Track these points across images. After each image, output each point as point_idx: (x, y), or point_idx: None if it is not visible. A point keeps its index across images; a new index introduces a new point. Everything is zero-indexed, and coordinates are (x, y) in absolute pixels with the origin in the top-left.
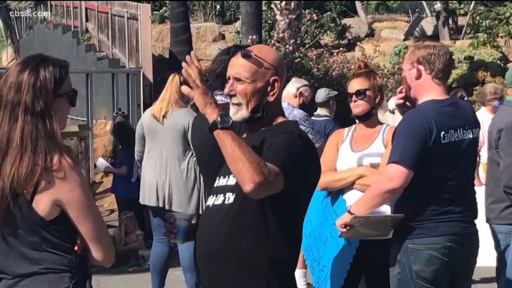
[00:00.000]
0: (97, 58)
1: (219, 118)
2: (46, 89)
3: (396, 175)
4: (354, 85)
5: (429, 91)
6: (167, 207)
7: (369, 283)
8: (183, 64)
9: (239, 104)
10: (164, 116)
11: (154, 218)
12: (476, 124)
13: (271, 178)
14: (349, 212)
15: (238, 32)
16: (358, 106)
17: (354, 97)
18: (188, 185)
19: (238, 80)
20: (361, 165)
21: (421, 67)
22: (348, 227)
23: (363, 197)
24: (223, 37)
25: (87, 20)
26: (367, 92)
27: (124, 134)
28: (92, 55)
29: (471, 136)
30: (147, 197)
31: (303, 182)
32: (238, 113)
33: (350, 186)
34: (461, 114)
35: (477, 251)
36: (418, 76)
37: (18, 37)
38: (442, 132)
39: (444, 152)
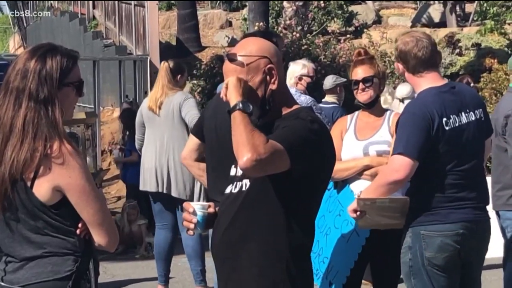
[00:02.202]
0: (104, 45)
1: (241, 104)
2: (51, 78)
3: (401, 166)
4: (360, 72)
5: (419, 84)
6: (165, 191)
7: (374, 271)
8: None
9: None
10: (159, 107)
11: (155, 204)
12: (478, 105)
13: (266, 155)
14: (358, 198)
15: (245, 19)
16: (366, 94)
17: (361, 85)
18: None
19: None
20: (367, 154)
21: (400, 65)
22: (358, 213)
23: (370, 186)
24: (230, 24)
25: (94, 7)
26: (374, 79)
27: (131, 121)
28: (99, 42)
29: (473, 118)
30: (147, 183)
31: (318, 166)
32: None
33: (357, 176)
34: (460, 97)
35: (489, 238)
36: (402, 73)
37: (25, 24)
38: (445, 119)
39: (449, 139)
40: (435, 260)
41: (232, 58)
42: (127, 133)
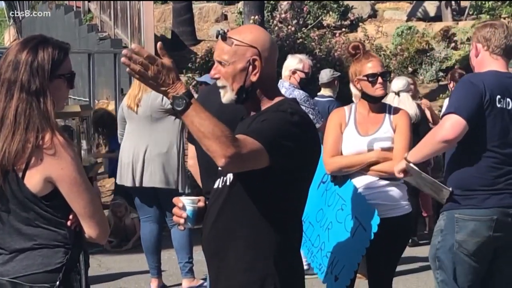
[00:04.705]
0: (99, 38)
1: (173, 103)
2: (43, 70)
3: (452, 125)
4: (373, 65)
5: (488, 64)
6: (139, 185)
7: (373, 262)
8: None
9: (224, 87)
10: (137, 105)
11: (135, 198)
12: None
13: (245, 151)
14: (406, 159)
15: (240, 13)
16: (383, 88)
17: (379, 79)
18: (171, 162)
19: (220, 63)
20: (371, 150)
21: (479, 45)
22: (403, 175)
23: (419, 144)
24: (225, 17)
25: (89, 0)
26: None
27: (102, 124)
28: (94, 36)
29: None
30: (124, 177)
31: (300, 160)
32: (225, 96)
33: (360, 171)
34: None
35: None
36: (477, 54)
37: (20, 17)
38: (498, 96)
39: (497, 116)
40: (465, 244)
41: (223, 37)
42: (101, 136)
